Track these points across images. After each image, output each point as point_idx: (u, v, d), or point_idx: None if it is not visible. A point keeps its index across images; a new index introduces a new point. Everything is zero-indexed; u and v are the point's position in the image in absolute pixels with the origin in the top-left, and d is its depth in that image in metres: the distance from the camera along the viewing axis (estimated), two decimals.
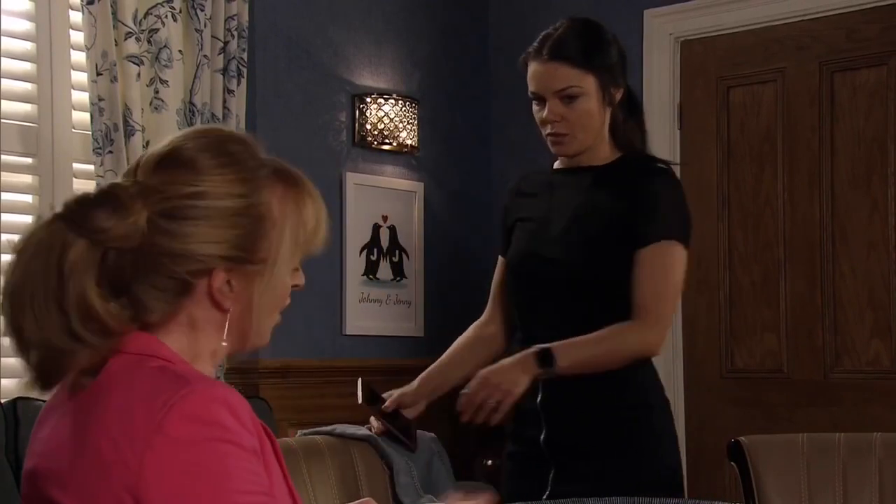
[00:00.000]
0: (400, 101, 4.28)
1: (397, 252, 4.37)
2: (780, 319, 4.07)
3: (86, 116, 3.42)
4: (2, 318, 1.32)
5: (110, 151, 3.34)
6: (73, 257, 1.29)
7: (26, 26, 3.41)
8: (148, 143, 3.38)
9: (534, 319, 2.51)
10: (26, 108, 3.41)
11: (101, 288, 1.31)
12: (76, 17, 3.47)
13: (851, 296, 3.94)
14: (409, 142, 4.32)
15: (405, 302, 4.40)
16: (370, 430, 2.57)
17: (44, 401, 1.42)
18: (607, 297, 2.42)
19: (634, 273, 2.39)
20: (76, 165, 3.49)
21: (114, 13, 3.37)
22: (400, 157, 4.39)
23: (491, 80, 4.73)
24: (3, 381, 3.25)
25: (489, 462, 4.40)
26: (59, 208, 1.33)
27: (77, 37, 3.46)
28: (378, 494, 2.52)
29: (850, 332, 3.94)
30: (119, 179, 1.40)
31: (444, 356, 2.67)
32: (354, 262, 4.22)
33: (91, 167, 3.42)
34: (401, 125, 4.28)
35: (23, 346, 1.30)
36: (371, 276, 4.27)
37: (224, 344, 1.40)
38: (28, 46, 3.42)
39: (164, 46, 3.47)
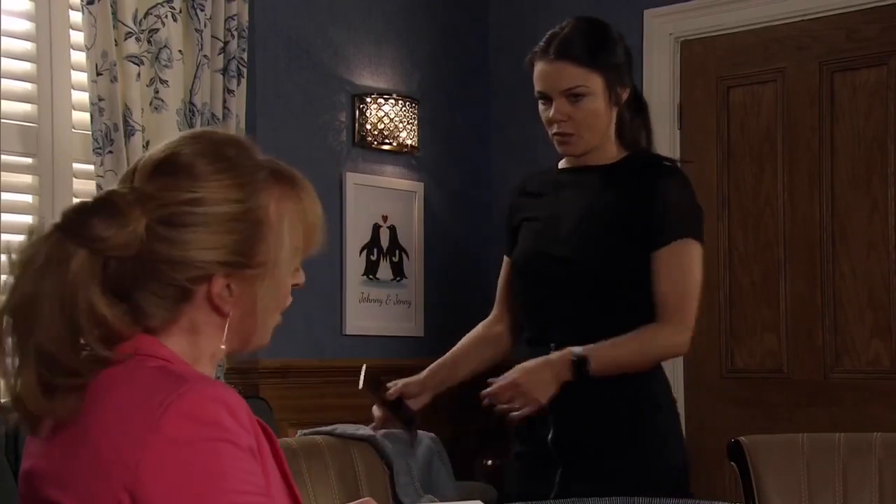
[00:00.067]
0: (400, 101, 4.29)
1: (397, 252, 4.38)
2: (780, 319, 4.07)
3: (86, 116, 3.42)
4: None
5: (110, 151, 3.34)
6: (75, 268, 1.29)
7: (26, 26, 3.41)
8: (148, 143, 3.39)
9: (541, 319, 2.50)
10: (26, 108, 3.42)
11: (107, 295, 1.31)
12: (76, 17, 3.47)
13: (851, 296, 3.94)
14: (409, 142, 4.32)
15: (405, 302, 4.40)
16: (372, 424, 2.56)
17: None
18: (616, 296, 2.42)
19: (655, 274, 2.40)
20: (76, 165, 3.49)
21: (114, 13, 3.37)
22: (400, 157, 4.39)
23: (491, 80, 4.73)
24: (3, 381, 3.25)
25: (489, 462, 4.40)
26: (57, 218, 1.33)
27: (77, 37, 3.46)
28: (378, 494, 2.52)
29: (850, 332, 3.94)
30: (116, 185, 1.39)
31: (452, 351, 2.66)
32: (354, 262, 4.22)
33: (91, 167, 3.42)
34: (401, 125, 4.28)
35: (31, 361, 1.29)
36: (371, 276, 4.27)
37: (223, 347, 1.40)
38: (28, 46, 3.42)
39: (164, 46, 3.47)
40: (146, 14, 3.46)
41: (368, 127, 4.23)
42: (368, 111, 4.23)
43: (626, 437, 2.40)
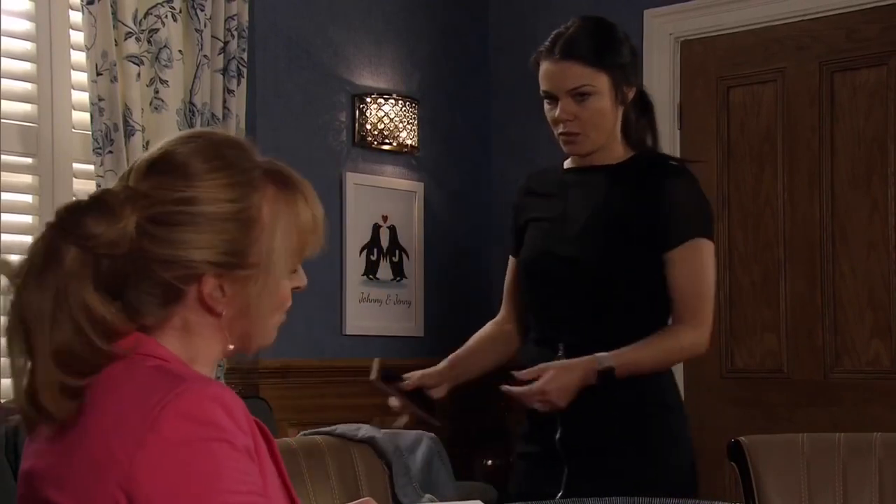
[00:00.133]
0: (400, 101, 4.29)
1: (397, 252, 4.38)
2: (780, 319, 4.07)
3: (86, 116, 3.42)
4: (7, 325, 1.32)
5: (110, 151, 3.34)
6: (67, 266, 1.29)
7: (26, 26, 3.42)
8: (148, 143, 3.39)
9: (548, 319, 2.50)
10: (26, 108, 3.42)
11: (100, 292, 1.32)
12: (76, 17, 3.47)
13: (851, 296, 3.94)
14: (409, 142, 4.32)
15: (405, 302, 4.40)
16: (374, 420, 2.55)
17: None
18: (623, 296, 2.42)
19: (669, 275, 2.40)
20: (76, 165, 3.50)
21: (114, 13, 3.37)
22: (400, 157, 4.39)
23: (491, 80, 4.74)
24: (3, 381, 3.25)
25: (489, 462, 4.40)
26: (52, 217, 1.34)
27: (77, 37, 3.46)
28: (378, 494, 2.52)
29: (850, 332, 3.94)
30: (113, 185, 1.40)
31: (467, 346, 2.66)
32: (354, 262, 4.22)
33: (91, 167, 3.42)
34: (401, 125, 4.28)
35: (31, 361, 1.30)
36: (371, 276, 4.28)
37: (231, 347, 1.40)
38: (28, 46, 3.42)
39: (164, 46, 3.47)
40: (146, 14, 3.46)
41: (368, 127, 4.23)
42: (368, 111, 4.23)
43: (634, 437, 2.40)
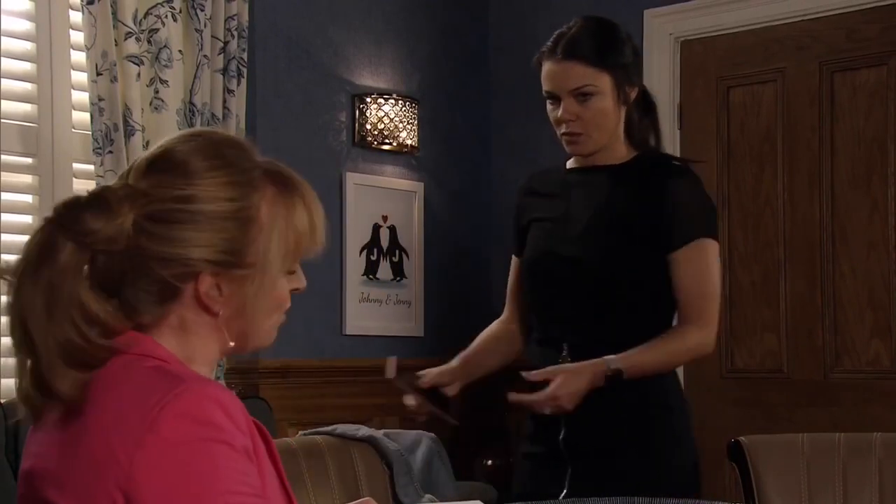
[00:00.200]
0: (400, 101, 4.29)
1: (397, 252, 4.38)
2: (780, 319, 4.07)
3: (86, 116, 3.42)
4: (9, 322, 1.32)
5: (110, 151, 3.34)
6: (62, 261, 1.29)
7: (26, 26, 3.42)
8: (148, 143, 3.39)
9: (551, 319, 2.50)
10: (26, 108, 3.42)
11: (95, 290, 1.32)
12: (76, 17, 3.47)
13: (851, 296, 3.94)
14: (409, 142, 4.32)
15: (405, 302, 4.40)
16: (410, 407, 2.49)
17: None
18: (627, 296, 2.42)
19: (674, 276, 2.41)
20: (76, 165, 3.50)
21: (114, 13, 3.37)
22: (400, 157, 4.39)
23: (491, 80, 4.74)
24: (3, 381, 3.25)
25: (489, 462, 4.41)
26: (49, 213, 1.34)
27: (77, 37, 3.46)
28: (378, 494, 2.52)
29: (850, 332, 3.94)
30: (112, 182, 1.40)
31: (477, 344, 2.66)
32: (354, 262, 4.22)
33: (91, 167, 3.42)
34: (401, 125, 4.28)
35: (28, 354, 1.30)
36: (371, 276, 4.28)
37: (232, 344, 1.40)
38: (28, 46, 3.42)
39: (164, 46, 3.47)
40: (146, 14, 3.46)
41: (368, 127, 4.23)
42: (368, 111, 4.23)
43: (638, 438, 2.40)
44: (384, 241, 4.33)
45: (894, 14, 3.88)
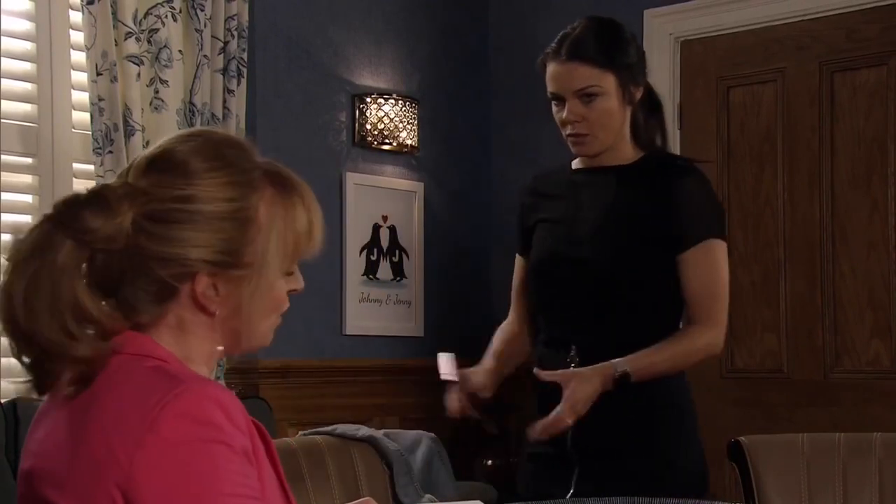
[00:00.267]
0: (400, 101, 4.29)
1: (397, 252, 4.38)
2: (780, 319, 4.07)
3: (86, 116, 3.42)
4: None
5: (110, 151, 3.35)
6: (61, 259, 1.29)
7: (26, 26, 3.42)
8: (148, 143, 3.39)
9: (558, 321, 2.49)
10: (26, 108, 3.42)
11: (92, 288, 1.32)
12: (76, 17, 3.47)
13: (851, 296, 3.94)
14: (409, 142, 4.33)
15: (405, 302, 4.40)
16: (454, 409, 2.42)
17: (42, 400, 1.42)
18: (635, 297, 2.41)
19: (683, 277, 2.40)
20: (76, 165, 3.50)
21: (114, 13, 3.37)
22: (400, 157, 4.39)
23: (491, 80, 4.74)
24: (3, 381, 3.25)
25: (489, 462, 4.40)
26: (49, 210, 1.34)
27: (77, 37, 3.46)
28: (378, 494, 2.52)
29: (850, 332, 3.94)
30: (112, 181, 1.40)
31: (500, 346, 2.59)
32: (354, 262, 4.22)
33: (91, 167, 3.42)
34: (401, 125, 4.28)
35: (22, 349, 1.31)
36: (371, 276, 4.28)
37: (220, 348, 1.40)
38: (28, 46, 3.42)
39: (164, 46, 3.47)
40: (146, 14, 3.46)
41: (368, 127, 4.23)
42: (368, 111, 4.23)
43: (647, 438, 2.39)
44: (384, 241, 4.33)
45: (894, 14, 3.88)
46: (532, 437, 2.34)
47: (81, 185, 3.48)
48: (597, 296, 2.42)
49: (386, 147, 4.28)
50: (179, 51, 3.52)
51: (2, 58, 3.33)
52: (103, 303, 1.33)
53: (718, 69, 4.22)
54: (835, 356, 3.96)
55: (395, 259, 4.37)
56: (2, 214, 3.29)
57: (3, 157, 3.33)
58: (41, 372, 1.32)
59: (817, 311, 3.99)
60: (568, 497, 2.35)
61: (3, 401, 3.08)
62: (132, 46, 3.39)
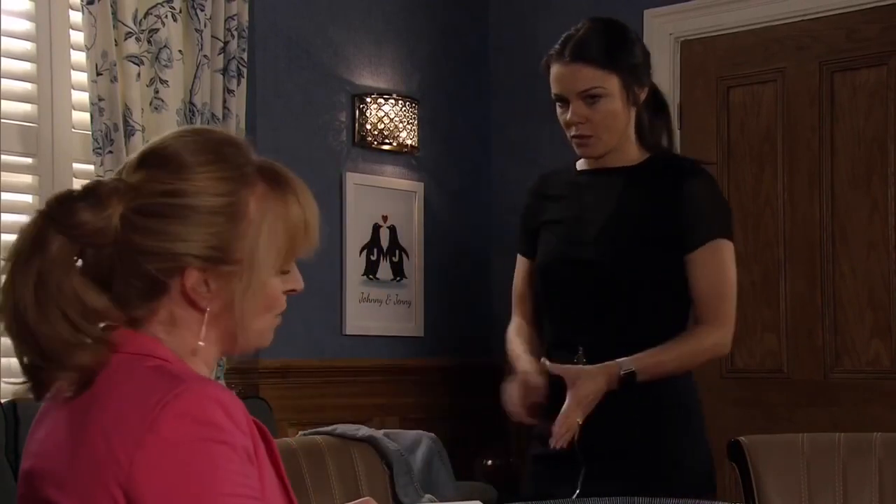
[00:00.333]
0: (400, 101, 4.29)
1: (397, 252, 4.38)
2: (780, 319, 4.07)
3: (86, 116, 3.42)
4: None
5: (110, 151, 3.34)
6: (52, 254, 1.30)
7: (26, 26, 3.42)
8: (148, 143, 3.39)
9: (565, 321, 2.48)
10: (26, 108, 3.42)
11: (88, 281, 1.32)
12: (76, 17, 3.47)
13: (851, 296, 3.94)
14: (409, 142, 4.32)
15: (405, 302, 4.40)
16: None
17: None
18: (642, 298, 2.41)
19: (690, 277, 2.41)
20: (76, 165, 3.50)
21: (114, 13, 3.37)
22: (400, 157, 4.39)
23: (491, 80, 4.73)
24: (3, 381, 3.25)
25: (489, 462, 4.40)
26: (42, 206, 1.34)
27: (77, 37, 3.46)
28: (378, 494, 2.52)
29: (850, 332, 3.94)
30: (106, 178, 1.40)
31: (526, 348, 2.52)
32: (354, 262, 4.22)
33: (91, 167, 3.42)
34: (401, 125, 4.28)
35: (24, 349, 1.31)
36: (371, 276, 4.27)
37: (201, 343, 1.38)
38: (28, 46, 3.42)
39: (164, 46, 3.47)
40: (146, 14, 3.46)
41: (368, 127, 4.23)
42: (368, 111, 4.23)
43: (653, 438, 2.39)
44: (384, 241, 4.33)
45: (894, 14, 3.88)
46: (552, 445, 2.31)
47: (81, 185, 3.48)
48: (604, 297, 2.42)
49: (386, 147, 4.28)
50: (179, 51, 3.52)
51: (2, 58, 3.33)
52: (99, 296, 1.33)
53: (718, 69, 4.22)
54: (835, 356, 3.96)
55: (395, 259, 4.37)
56: (2, 214, 3.29)
57: (3, 157, 3.33)
58: (38, 378, 1.32)
59: (817, 311, 3.99)
60: (574, 496, 2.34)
61: (3, 401, 3.08)
62: (132, 46, 3.39)
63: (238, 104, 3.69)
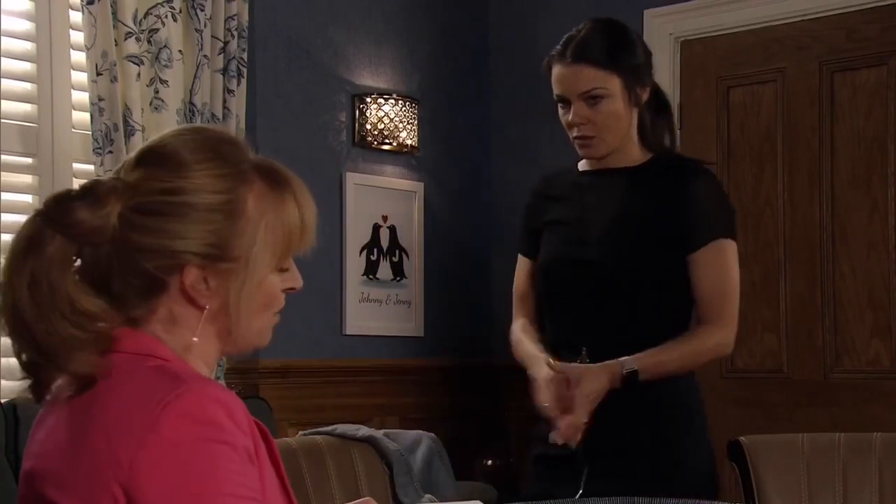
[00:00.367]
0: (400, 101, 4.29)
1: (397, 252, 4.38)
2: (780, 319, 4.07)
3: (86, 116, 3.42)
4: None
5: (110, 151, 3.34)
6: (50, 253, 1.30)
7: (26, 26, 3.42)
8: None
9: (568, 322, 2.48)
10: (26, 108, 3.42)
11: (84, 282, 1.32)
12: (76, 17, 3.47)
13: (851, 296, 3.94)
14: (409, 142, 4.32)
15: (405, 302, 4.40)
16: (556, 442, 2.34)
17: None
18: (645, 298, 2.41)
19: (693, 276, 2.41)
20: (76, 165, 3.50)
21: (114, 13, 3.37)
22: (400, 157, 4.39)
23: (491, 80, 4.73)
24: (3, 381, 3.25)
25: (489, 462, 4.41)
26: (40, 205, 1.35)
27: (77, 37, 3.46)
28: (378, 494, 2.52)
29: (850, 332, 3.94)
30: (104, 177, 1.40)
31: (539, 347, 2.49)
32: (354, 262, 4.22)
33: (91, 167, 3.42)
34: (401, 125, 4.28)
35: (23, 347, 1.31)
36: (371, 276, 4.27)
37: (195, 339, 1.38)
38: (28, 46, 3.42)
39: (164, 46, 3.47)
40: (146, 14, 3.46)
41: (368, 127, 4.23)
42: (368, 111, 4.23)
43: (655, 438, 2.39)
44: (384, 241, 4.33)
45: (894, 14, 3.88)
46: (557, 440, 2.31)
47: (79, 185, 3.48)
48: (606, 297, 2.42)
49: (386, 147, 4.28)
50: (179, 51, 3.52)
51: (2, 58, 3.33)
52: (94, 298, 1.33)
53: (718, 69, 4.22)
54: (835, 356, 3.96)
55: (395, 259, 4.37)
56: (2, 214, 3.29)
57: (3, 157, 3.33)
58: (37, 376, 1.32)
59: (817, 311, 3.99)
60: (577, 497, 2.34)
61: (3, 401, 3.08)
62: (132, 46, 3.39)
63: (238, 104, 3.69)
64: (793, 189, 4.06)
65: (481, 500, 2.12)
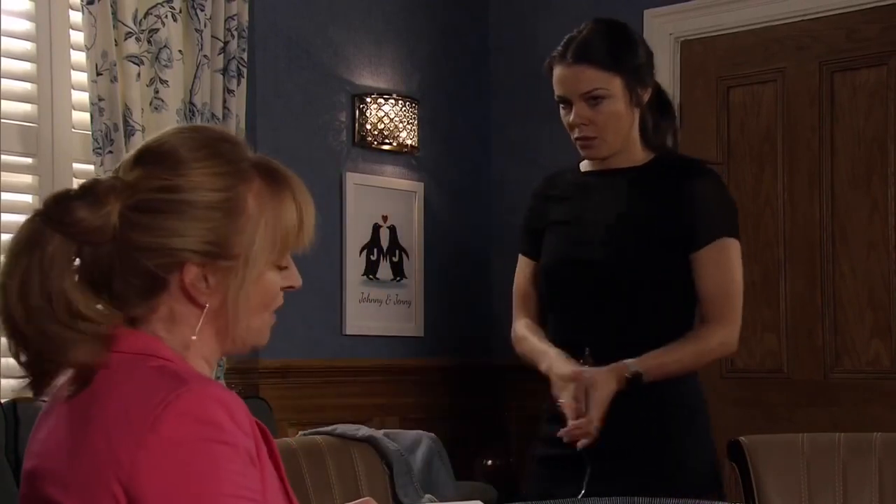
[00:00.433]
0: (400, 101, 4.28)
1: (397, 252, 4.38)
2: (780, 319, 4.07)
3: (86, 116, 3.42)
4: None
5: (110, 151, 3.35)
6: (50, 253, 1.30)
7: (26, 26, 3.42)
8: None
9: (570, 322, 2.48)
10: (26, 108, 3.42)
11: (84, 282, 1.32)
12: (76, 17, 3.47)
13: (851, 296, 3.94)
14: (409, 142, 4.32)
15: (405, 302, 4.40)
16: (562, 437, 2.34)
17: (44, 401, 1.42)
18: (648, 298, 2.41)
19: (697, 275, 2.41)
20: (76, 165, 3.50)
21: (114, 13, 3.37)
22: (400, 157, 4.39)
23: (491, 80, 4.73)
24: (3, 381, 3.25)
25: (489, 462, 4.41)
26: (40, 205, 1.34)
27: (77, 37, 3.46)
28: (378, 494, 2.52)
29: (850, 332, 3.94)
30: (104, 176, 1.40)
31: (549, 346, 2.48)
32: (354, 262, 4.22)
33: (91, 167, 3.42)
34: (401, 125, 4.28)
35: (19, 347, 1.31)
36: (371, 276, 4.27)
37: (194, 338, 1.38)
38: (28, 46, 3.42)
39: (164, 46, 3.47)
40: (146, 14, 3.46)
41: (368, 127, 4.23)
42: (368, 111, 4.23)
43: (658, 438, 2.39)
44: (384, 241, 4.33)
45: (894, 14, 3.88)
46: (573, 439, 2.31)
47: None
48: (608, 298, 2.42)
49: (386, 147, 4.28)
50: (179, 51, 3.52)
51: (2, 58, 3.33)
52: (99, 305, 1.33)
53: (718, 69, 4.22)
54: (835, 356, 3.96)
55: (395, 259, 4.37)
56: (2, 214, 3.29)
57: (3, 157, 3.33)
58: (37, 372, 1.32)
59: (817, 311, 3.99)
60: (580, 497, 2.34)
61: (3, 401, 3.08)
62: (132, 46, 3.39)
63: (238, 104, 3.69)
64: (793, 189, 4.06)
65: (481, 500, 2.12)
